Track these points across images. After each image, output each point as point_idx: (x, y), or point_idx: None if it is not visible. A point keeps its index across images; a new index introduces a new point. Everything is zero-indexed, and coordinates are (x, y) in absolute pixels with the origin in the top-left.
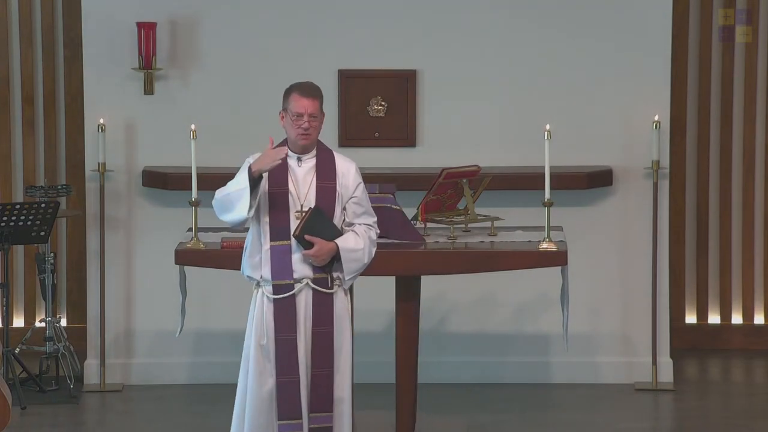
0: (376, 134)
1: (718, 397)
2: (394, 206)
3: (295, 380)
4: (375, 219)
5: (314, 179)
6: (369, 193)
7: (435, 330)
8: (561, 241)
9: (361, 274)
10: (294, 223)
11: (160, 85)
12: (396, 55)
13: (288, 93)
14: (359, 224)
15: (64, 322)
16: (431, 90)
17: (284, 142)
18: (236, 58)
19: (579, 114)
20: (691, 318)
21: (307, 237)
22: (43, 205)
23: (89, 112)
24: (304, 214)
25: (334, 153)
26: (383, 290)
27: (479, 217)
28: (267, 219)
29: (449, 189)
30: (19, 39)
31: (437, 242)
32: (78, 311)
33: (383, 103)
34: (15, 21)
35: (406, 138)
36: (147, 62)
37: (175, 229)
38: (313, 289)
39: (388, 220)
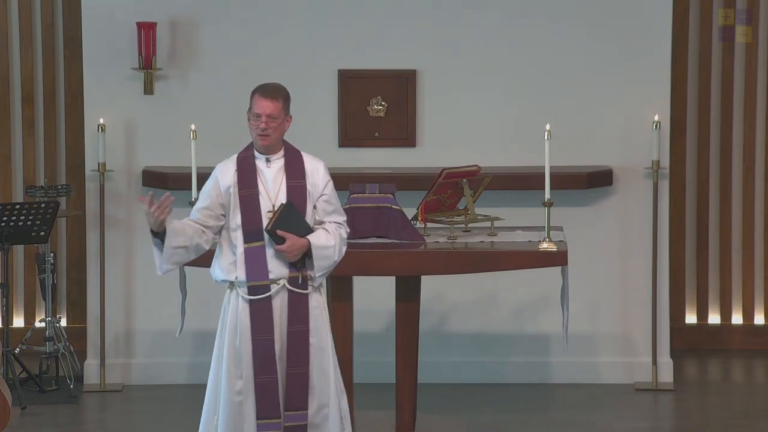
0: (376, 134)
1: (718, 397)
2: (394, 206)
3: (273, 379)
4: (345, 218)
5: (284, 179)
6: (369, 194)
7: (435, 330)
8: (561, 241)
9: (362, 275)
10: (266, 224)
11: (160, 85)
12: (396, 55)
13: (252, 94)
14: (329, 222)
15: (64, 322)
16: (431, 90)
17: (251, 145)
18: (236, 58)
19: (579, 114)
20: (691, 318)
21: (279, 232)
22: (43, 205)
23: (89, 112)
24: (276, 210)
25: (302, 153)
26: (383, 290)
27: (479, 217)
28: (239, 222)
29: (449, 189)
30: (19, 39)
31: (437, 242)
32: (78, 311)
33: (383, 103)
34: (15, 21)
35: (406, 138)
36: (147, 62)
37: None
38: (289, 290)
39: (388, 220)
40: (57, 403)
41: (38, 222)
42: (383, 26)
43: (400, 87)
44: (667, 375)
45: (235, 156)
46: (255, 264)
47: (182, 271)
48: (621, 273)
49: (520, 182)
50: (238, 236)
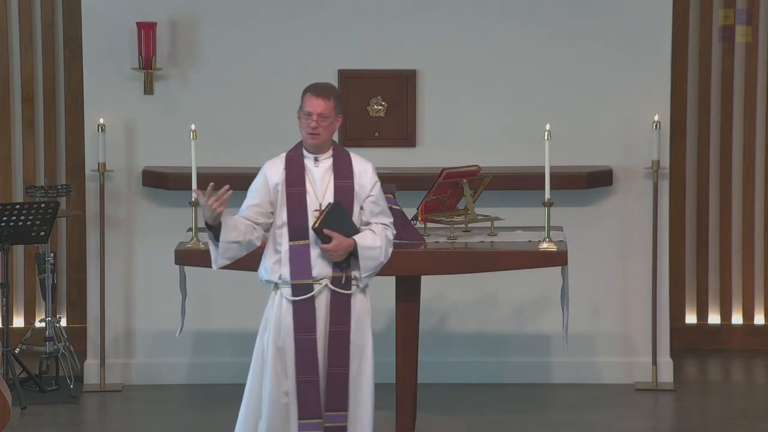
0: (376, 134)
1: (718, 397)
2: (394, 206)
3: (315, 379)
4: (392, 219)
5: (332, 178)
6: None
7: (435, 330)
8: (561, 241)
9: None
10: (312, 223)
11: (160, 85)
12: (396, 55)
13: (303, 92)
14: (376, 223)
15: (64, 322)
16: (431, 90)
17: (300, 144)
18: (236, 58)
19: (579, 114)
20: (691, 318)
21: (326, 231)
22: (43, 205)
23: (89, 112)
24: (323, 209)
25: (351, 154)
26: (383, 290)
27: (479, 217)
28: (285, 219)
29: (449, 189)
30: (19, 39)
31: (437, 242)
32: (78, 311)
33: (383, 103)
34: (15, 21)
35: (406, 138)
36: (147, 62)
37: (175, 229)
38: (332, 290)
39: None
40: (57, 403)
41: (38, 222)
42: (383, 26)
43: (400, 87)
44: (667, 375)
45: (284, 154)
46: (299, 262)
47: (182, 271)
48: (621, 273)
49: (520, 182)
50: (283, 234)
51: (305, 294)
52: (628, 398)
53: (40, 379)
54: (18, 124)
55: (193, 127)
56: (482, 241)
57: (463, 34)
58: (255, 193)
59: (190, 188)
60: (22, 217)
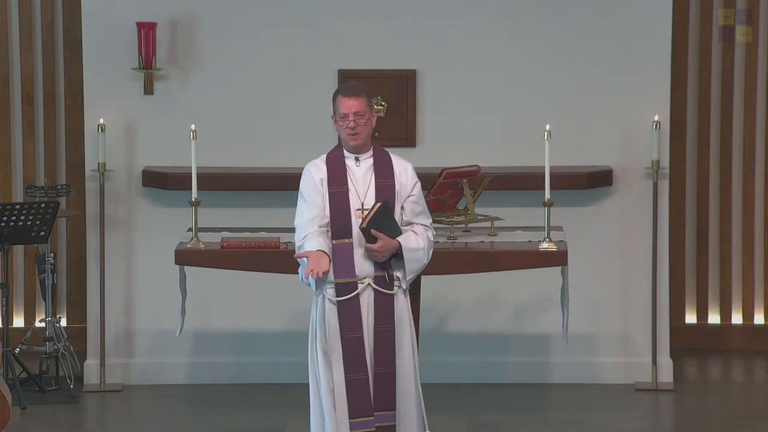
0: (377, 134)
1: (718, 397)
2: None
3: (364, 377)
4: (431, 220)
5: (373, 178)
6: None
7: (435, 330)
8: (561, 241)
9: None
10: (355, 222)
11: (160, 85)
12: (396, 55)
13: (334, 96)
14: (417, 224)
15: (64, 322)
16: (431, 90)
17: (339, 146)
18: (236, 58)
19: (579, 114)
20: (691, 318)
21: (373, 231)
22: (43, 205)
23: (89, 112)
24: (371, 208)
25: (390, 153)
26: None
27: (479, 217)
28: (328, 218)
29: (449, 189)
30: (19, 39)
31: (437, 242)
32: (78, 311)
33: (383, 103)
34: (15, 21)
35: (406, 138)
36: (147, 62)
37: (175, 229)
38: (375, 289)
39: None
40: (57, 403)
41: (38, 222)
42: (383, 26)
43: (400, 87)
44: (667, 375)
45: (324, 156)
46: (343, 261)
47: (182, 271)
48: (621, 273)
49: (520, 182)
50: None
51: (349, 293)
52: (628, 398)
53: (40, 379)
54: (18, 124)
55: (193, 127)
56: (482, 241)
57: (463, 35)
58: (312, 202)
59: (190, 188)
60: (22, 217)
